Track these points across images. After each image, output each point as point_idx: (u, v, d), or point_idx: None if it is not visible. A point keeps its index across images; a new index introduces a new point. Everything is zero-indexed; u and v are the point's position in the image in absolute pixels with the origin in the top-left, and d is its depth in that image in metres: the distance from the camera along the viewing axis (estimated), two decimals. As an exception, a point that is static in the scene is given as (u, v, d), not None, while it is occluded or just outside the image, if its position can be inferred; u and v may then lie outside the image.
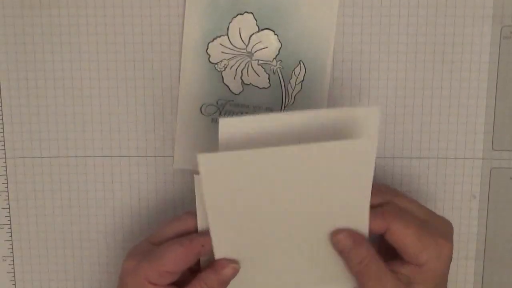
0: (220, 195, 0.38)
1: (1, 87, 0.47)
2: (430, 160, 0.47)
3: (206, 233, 0.40)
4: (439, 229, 0.41)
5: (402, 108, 0.47)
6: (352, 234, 0.40)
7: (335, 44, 0.46)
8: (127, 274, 0.40)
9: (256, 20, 0.45)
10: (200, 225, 0.41)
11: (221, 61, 0.46)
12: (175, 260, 0.39)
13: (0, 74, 0.47)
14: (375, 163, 0.38)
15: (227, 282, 0.40)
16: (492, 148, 0.47)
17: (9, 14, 0.46)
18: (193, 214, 0.41)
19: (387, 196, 0.41)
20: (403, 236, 0.39)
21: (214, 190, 0.37)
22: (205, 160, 0.36)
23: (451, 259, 0.41)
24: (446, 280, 0.42)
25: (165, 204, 0.48)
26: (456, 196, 0.48)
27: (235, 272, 0.40)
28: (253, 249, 0.40)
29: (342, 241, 0.40)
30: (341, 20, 0.46)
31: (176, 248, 0.39)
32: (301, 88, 0.46)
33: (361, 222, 0.40)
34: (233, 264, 0.40)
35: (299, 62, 0.45)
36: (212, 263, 0.40)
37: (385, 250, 0.41)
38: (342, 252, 0.40)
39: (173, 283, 0.40)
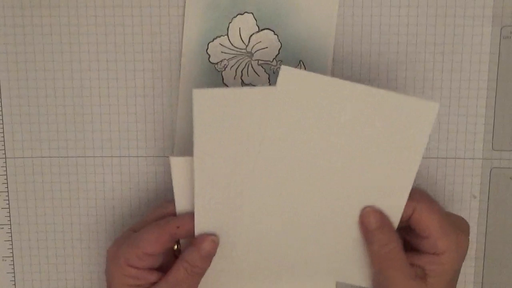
0: (212, 140, 0.37)
1: (1, 87, 0.47)
2: (430, 160, 0.47)
3: (183, 215, 0.40)
4: (458, 224, 0.41)
5: (402, 108, 0.47)
6: (381, 212, 0.39)
7: (335, 44, 0.46)
8: (110, 260, 0.41)
9: (256, 20, 0.45)
10: (178, 209, 0.41)
11: (221, 61, 0.46)
12: (150, 241, 0.40)
13: (0, 74, 0.47)
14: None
15: (208, 257, 0.40)
16: (492, 148, 0.47)
17: (9, 14, 0.46)
18: (173, 201, 0.41)
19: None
20: (428, 219, 0.39)
21: (207, 134, 0.36)
22: (199, 96, 0.35)
23: (465, 257, 0.41)
24: (457, 279, 0.42)
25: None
26: (456, 196, 0.48)
27: (215, 245, 0.40)
28: (240, 222, 0.40)
29: (372, 216, 0.39)
30: (341, 20, 0.46)
31: (152, 230, 0.40)
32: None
33: (400, 197, 0.39)
34: (212, 236, 0.40)
35: (299, 62, 0.45)
36: (191, 241, 0.40)
37: None
38: (368, 231, 0.39)
39: (158, 269, 0.41)
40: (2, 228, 0.49)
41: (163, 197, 0.48)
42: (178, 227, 0.40)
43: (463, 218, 0.43)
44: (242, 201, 0.39)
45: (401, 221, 0.40)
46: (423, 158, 0.47)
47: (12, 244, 0.49)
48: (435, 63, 0.46)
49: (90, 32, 0.46)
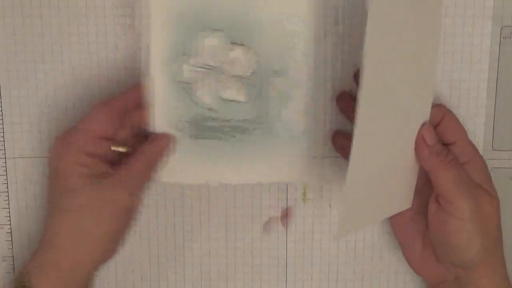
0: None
1: (1, 87, 0.47)
2: (430, 160, 0.47)
3: (128, 89, 0.42)
4: None
5: (402, 108, 0.47)
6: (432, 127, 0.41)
7: (334, 46, 0.46)
8: (60, 147, 0.40)
9: (226, 35, 0.43)
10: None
11: (195, 78, 0.44)
12: (100, 120, 0.40)
13: (0, 74, 0.47)
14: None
15: (164, 152, 0.42)
16: (492, 148, 0.47)
17: (9, 14, 0.46)
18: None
19: None
20: (457, 126, 0.42)
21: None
22: None
23: None
24: None
25: (165, 203, 0.48)
26: (456, 196, 0.47)
27: (170, 142, 0.42)
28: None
29: (429, 134, 0.41)
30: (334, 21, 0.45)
31: (99, 108, 0.40)
32: (280, 100, 0.45)
33: (428, 95, 0.40)
34: (168, 135, 0.42)
35: (275, 74, 0.44)
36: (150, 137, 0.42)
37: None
38: (427, 147, 0.41)
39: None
40: (2, 228, 0.49)
41: (163, 197, 0.48)
42: (126, 103, 0.41)
43: None
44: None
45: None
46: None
47: (12, 244, 0.49)
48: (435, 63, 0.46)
49: (90, 32, 0.46)
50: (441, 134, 0.42)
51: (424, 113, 0.41)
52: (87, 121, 0.40)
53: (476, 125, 0.47)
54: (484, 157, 0.47)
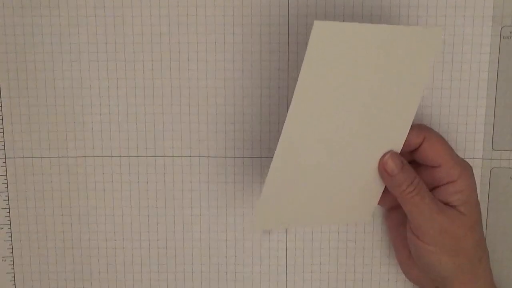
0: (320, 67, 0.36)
1: (1, 87, 0.47)
2: (430, 160, 0.47)
3: None
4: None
5: (402, 108, 0.47)
6: (397, 154, 0.40)
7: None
8: None
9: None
10: None
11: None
12: None
13: (0, 74, 0.47)
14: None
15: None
16: (492, 148, 0.47)
17: (9, 14, 0.46)
18: None
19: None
20: (439, 147, 0.40)
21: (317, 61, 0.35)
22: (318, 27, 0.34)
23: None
24: (480, 211, 0.42)
25: (165, 204, 0.48)
26: (456, 196, 0.48)
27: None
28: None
29: (391, 161, 0.40)
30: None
31: None
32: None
33: (405, 122, 0.39)
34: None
35: None
36: None
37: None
38: (392, 175, 0.40)
39: None
40: (2, 228, 0.49)
41: (163, 198, 0.48)
42: None
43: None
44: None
45: (408, 152, 0.41)
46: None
47: (12, 244, 0.49)
48: (435, 64, 0.46)
49: (90, 32, 0.46)
50: (423, 157, 0.41)
51: (396, 140, 0.40)
52: None
53: (476, 125, 0.47)
54: (484, 157, 0.47)
